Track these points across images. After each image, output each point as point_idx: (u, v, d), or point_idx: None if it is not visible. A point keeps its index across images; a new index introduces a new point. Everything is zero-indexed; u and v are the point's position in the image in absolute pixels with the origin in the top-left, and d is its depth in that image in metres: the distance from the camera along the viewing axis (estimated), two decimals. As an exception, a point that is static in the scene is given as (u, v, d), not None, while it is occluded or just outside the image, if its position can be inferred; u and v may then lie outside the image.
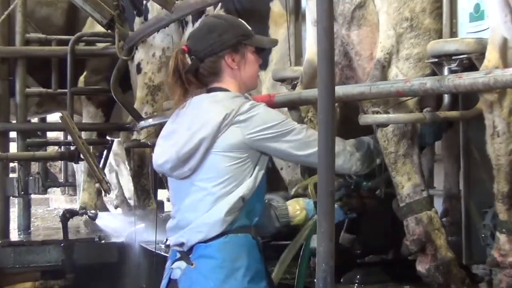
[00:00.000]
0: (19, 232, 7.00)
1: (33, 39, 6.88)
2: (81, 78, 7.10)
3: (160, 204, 9.92)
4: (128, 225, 7.40)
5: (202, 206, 2.90)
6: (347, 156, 3.12)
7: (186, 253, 2.92)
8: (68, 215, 6.38)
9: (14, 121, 6.90)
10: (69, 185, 8.19)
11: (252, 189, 2.92)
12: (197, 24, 4.61)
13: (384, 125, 3.13)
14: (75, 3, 6.28)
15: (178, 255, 2.96)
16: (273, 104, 4.16)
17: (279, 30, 4.28)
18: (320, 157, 2.48)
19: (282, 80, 3.93)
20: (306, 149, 2.97)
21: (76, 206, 7.94)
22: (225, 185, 2.89)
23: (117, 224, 7.43)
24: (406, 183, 3.21)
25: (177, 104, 3.06)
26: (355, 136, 3.45)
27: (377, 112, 3.10)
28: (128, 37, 6.01)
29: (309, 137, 2.98)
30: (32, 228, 7.26)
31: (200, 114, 2.94)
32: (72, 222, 6.74)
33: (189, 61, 3.03)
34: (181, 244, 2.93)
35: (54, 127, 7.77)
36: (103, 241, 6.65)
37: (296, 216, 3.23)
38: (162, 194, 10.26)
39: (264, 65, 4.30)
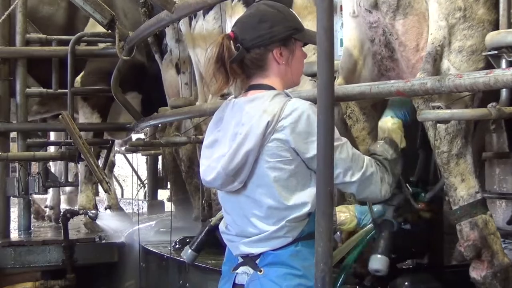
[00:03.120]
0: (20, 232, 7.00)
1: (34, 39, 6.88)
2: (78, 79, 7.09)
3: (161, 204, 9.98)
4: (129, 226, 7.43)
5: (262, 218, 2.81)
6: (385, 183, 2.96)
7: (252, 259, 2.85)
8: (68, 215, 6.39)
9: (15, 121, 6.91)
10: (70, 185, 8.18)
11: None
12: (241, 10, 4.50)
13: (446, 121, 2.96)
14: (75, 3, 6.27)
15: (240, 260, 2.89)
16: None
17: (303, 22, 4.19)
18: (319, 157, 2.47)
19: (313, 75, 3.76)
20: (353, 174, 2.83)
21: (76, 206, 7.94)
22: (282, 196, 2.77)
23: (117, 224, 7.45)
24: (459, 185, 3.06)
25: (216, 93, 2.94)
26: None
27: (438, 108, 2.94)
28: (128, 37, 6.00)
29: (353, 157, 2.84)
30: (32, 228, 7.25)
31: (242, 121, 2.79)
32: (72, 222, 6.74)
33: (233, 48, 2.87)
34: (245, 253, 2.87)
35: (54, 127, 7.76)
36: (103, 241, 6.65)
37: (344, 224, 3.18)
38: (162, 194, 10.30)
39: None
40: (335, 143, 2.62)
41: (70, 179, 7.34)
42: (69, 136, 6.47)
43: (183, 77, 6.14)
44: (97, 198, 11.90)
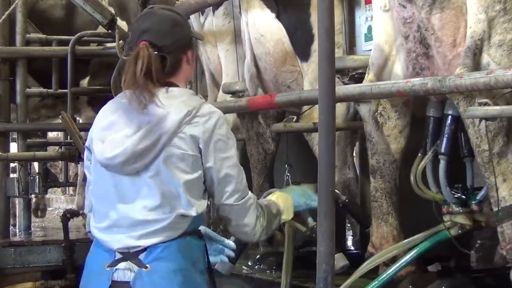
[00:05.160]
0: (20, 232, 7.00)
1: (34, 39, 6.87)
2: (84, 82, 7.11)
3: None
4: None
5: (155, 207, 2.74)
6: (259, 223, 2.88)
7: (133, 255, 2.74)
8: (68, 215, 6.38)
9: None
10: (70, 185, 8.18)
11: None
12: (257, 5, 4.42)
13: (494, 118, 2.87)
14: (76, 3, 6.26)
15: (118, 255, 2.76)
16: (273, 104, 4.15)
17: None
18: (320, 157, 2.47)
19: (337, 71, 3.65)
20: (225, 185, 2.80)
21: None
22: (180, 186, 2.73)
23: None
24: (501, 185, 2.98)
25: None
26: (420, 134, 3.39)
27: (485, 104, 2.84)
28: (128, 38, 5.99)
29: (237, 167, 2.82)
30: (32, 228, 7.25)
31: (155, 109, 2.76)
32: (73, 222, 6.73)
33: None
34: (129, 247, 2.75)
35: (54, 127, 7.75)
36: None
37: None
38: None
39: (305, 56, 4.20)
40: (232, 161, 2.77)
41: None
42: (68, 136, 6.47)
43: None
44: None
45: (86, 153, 2.96)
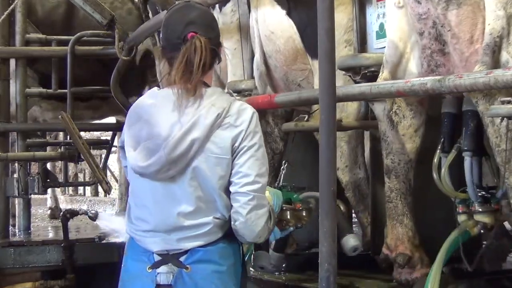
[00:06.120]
0: (19, 232, 7.00)
1: (33, 39, 6.87)
2: None
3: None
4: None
5: (191, 212, 2.73)
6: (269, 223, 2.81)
7: (174, 256, 2.76)
8: (68, 215, 6.38)
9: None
10: (69, 185, 8.19)
11: None
12: (268, 1, 4.33)
13: None
14: (75, 3, 6.27)
15: (157, 257, 2.77)
16: (272, 104, 4.15)
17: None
18: (321, 157, 2.47)
19: (349, 69, 3.66)
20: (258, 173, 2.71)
21: (76, 206, 7.94)
22: (216, 191, 2.72)
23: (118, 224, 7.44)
24: None
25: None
26: (436, 134, 3.36)
27: (508, 102, 2.80)
28: (128, 38, 6.00)
29: (264, 165, 2.75)
30: (32, 228, 7.25)
31: (185, 111, 2.71)
32: (73, 222, 6.73)
33: None
34: (168, 250, 2.76)
35: (54, 127, 7.75)
36: (103, 241, 6.64)
37: None
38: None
39: (316, 54, 4.14)
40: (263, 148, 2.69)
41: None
42: (68, 136, 6.48)
43: None
44: (97, 198, 11.95)
45: (121, 153, 2.92)
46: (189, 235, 2.74)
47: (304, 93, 4.00)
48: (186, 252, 2.75)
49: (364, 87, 3.44)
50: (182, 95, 2.72)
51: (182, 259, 2.75)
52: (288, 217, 3.48)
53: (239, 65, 5.03)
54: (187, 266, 2.73)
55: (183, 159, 2.70)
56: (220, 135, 2.71)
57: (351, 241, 3.18)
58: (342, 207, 3.40)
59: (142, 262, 2.80)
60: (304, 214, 3.53)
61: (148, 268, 2.77)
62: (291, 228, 3.49)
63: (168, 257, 2.76)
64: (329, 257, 2.42)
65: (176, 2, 4.99)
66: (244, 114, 2.74)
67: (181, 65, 2.69)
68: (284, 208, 3.45)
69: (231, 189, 2.74)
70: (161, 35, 2.89)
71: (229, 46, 5.10)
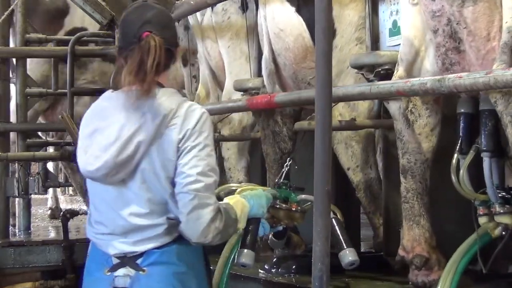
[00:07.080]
0: (19, 232, 7.00)
1: (33, 39, 6.87)
2: None
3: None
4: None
5: (144, 214, 2.72)
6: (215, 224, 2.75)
7: (131, 259, 2.75)
8: (68, 215, 6.37)
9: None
10: (69, 185, 8.18)
11: None
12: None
13: None
14: (75, 3, 6.26)
15: (116, 260, 2.77)
16: (272, 104, 4.13)
17: (343, 11, 4.00)
18: (316, 156, 2.46)
19: (361, 67, 3.60)
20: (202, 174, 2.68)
21: (76, 206, 7.94)
22: (167, 192, 2.71)
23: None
24: None
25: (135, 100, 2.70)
26: (452, 134, 3.33)
27: None
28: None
29: (208, 165, 2.71)
30: (32, 228, 7.25)
31: (134, 113, 2.69)
32: (72, 222, 6.73)
33: None
34: (125, 252, 2.75)
35: (54, 127, 7.75)
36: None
37: None
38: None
39: None
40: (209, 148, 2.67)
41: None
42: (68, 136, 6.47)
43: (193, 69, 5.90)
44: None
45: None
46: (144, 237, 2.73)
47: (304, 93, 4.00)
48: (142, 254, 2.74)
49: (364, 87, 3.43)
50: (134, 96, 2.69)
51: (138, 261, 2.74)
52: (281, 216, 3.46)
53: (235, 64, 5.01)
54: (144, 268, 2.73)
55: (131, 161, 2.69)
56: (167, 137, 2.69)
57: (349, 256, 3.17)
58: (339, 215, 3.37)
59: (102, 265, 2.80)
60: (297, 215, 3.52)
61: (107, 271, 2.78)
62: (281, 228, 3.49)
63: (126, 260, 2.76)
64: (322, 256, 2.42)
65: (177, 2, 5.03)
66: (192, 115, 2.72)
67: (134, 65, 2.67)
68: (278, 206, 3.46)
69: (175, 189, 2.72)
70: (118, 34, 2.86)
71: (223, 44, 5.08)
